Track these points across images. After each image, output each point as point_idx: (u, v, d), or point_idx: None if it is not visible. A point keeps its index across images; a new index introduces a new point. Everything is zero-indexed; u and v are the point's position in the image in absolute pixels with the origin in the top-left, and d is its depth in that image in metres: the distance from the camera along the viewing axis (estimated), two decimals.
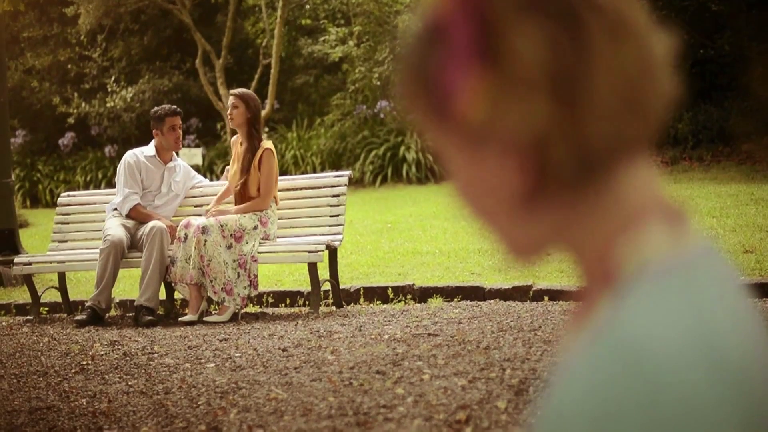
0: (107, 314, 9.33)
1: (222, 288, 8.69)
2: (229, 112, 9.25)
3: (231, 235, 8.78)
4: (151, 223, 9.14)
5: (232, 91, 9.38)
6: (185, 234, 8.77)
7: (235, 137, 9.51)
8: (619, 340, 1.00)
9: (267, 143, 9.22)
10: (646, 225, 1.09)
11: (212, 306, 9.05)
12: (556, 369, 1.08)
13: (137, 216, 9.44)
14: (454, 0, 1.08)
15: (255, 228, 8.97)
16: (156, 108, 9.85)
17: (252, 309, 9.33)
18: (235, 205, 9.15)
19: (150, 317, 8.88)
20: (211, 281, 8.69)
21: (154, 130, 9.69)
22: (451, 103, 1.08)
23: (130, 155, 9.74)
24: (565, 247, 1.14)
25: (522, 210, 1.11)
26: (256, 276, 8.81)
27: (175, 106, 9.76)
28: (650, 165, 1.12)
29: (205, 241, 8.69)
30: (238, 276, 8.73)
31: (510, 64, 1.05)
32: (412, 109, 1.15)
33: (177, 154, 10.08)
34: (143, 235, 9.13)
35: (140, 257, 9.14)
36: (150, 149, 9.71)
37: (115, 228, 9.26)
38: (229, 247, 8.77)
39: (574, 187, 1.08)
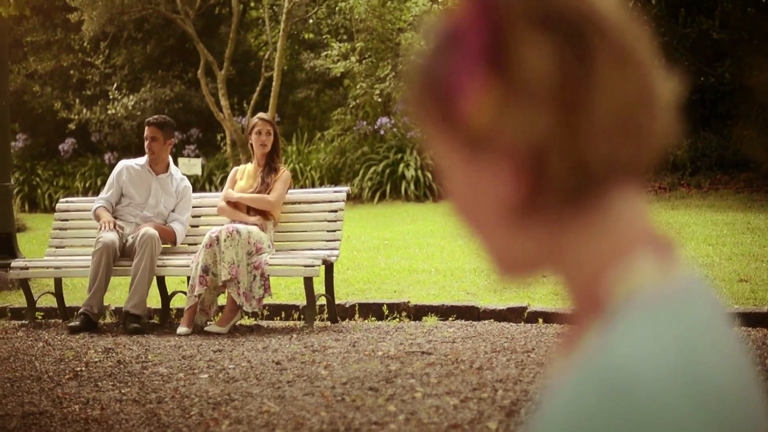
0: (100, 320, 9.32)
1: (242, 292, 8.72)
2: (262, 138, 9.41)
3: (254, 244, 8.86)
4: (143, 230, 9.19)
5: (261, 117, 9.54)
6: (216, 237, 8.78)
7: (241, 167, 9.72)
8: (604, 367, 1.01)
9: (286, 169, 9.57)
10: (635, 254, 1.10)
11: (216, 316, 9.04)
12: (543, 393, 1.09)
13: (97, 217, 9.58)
14: (470, 7, 1.11)
15: (269, 246, 9.09)
16: None
17: (247, 321, 9.33)
18: (247, 214, 9.32)
19: (135, 324, 8.91)
20: (238, 283, 8.72)
21: None
22: (457, 105, 1.11)
23: (121, 163, 9.99)
24: (555, 269, 1.15)
25: (511, 222, 1.12)
26: (268, 280, 8.85)
27: (152, 118, 9.93)
28: (641, 194, 1.14)
29: (238, 240, 8.74)
30: (254, 279, 8.78)
31: (517, 72, 1.08)
32: (419, 112, 1.17)
33: (176, 163, 10.14)
34: (135, 242, 9.16)
35: (131, 264, 9.19)
36: (144, 158, 9.85)
37: (108, 231, 9.30)
38: (249, 254, 8.84)
39: (565, 203, 1.10)
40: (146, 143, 9.75)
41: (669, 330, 1.04)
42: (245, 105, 21.18)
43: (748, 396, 1.06)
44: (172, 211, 9.73)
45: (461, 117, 1.11)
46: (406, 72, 1.19)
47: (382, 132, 19.59)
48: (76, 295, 10.66)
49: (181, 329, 8.78)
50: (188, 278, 9.05)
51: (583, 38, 1.09)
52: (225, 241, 8.70)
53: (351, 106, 20.58)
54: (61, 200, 10.72)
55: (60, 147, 22.98)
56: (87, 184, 22.02)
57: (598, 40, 1.09)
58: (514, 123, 1.08)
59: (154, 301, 9.88)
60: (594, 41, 1.09)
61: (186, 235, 9.78)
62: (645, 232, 1.13)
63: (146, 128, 9.79)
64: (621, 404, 0.98)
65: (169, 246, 9.60)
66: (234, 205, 9.37)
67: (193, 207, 9.97)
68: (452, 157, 1.15)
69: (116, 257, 9.23)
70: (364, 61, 20.35)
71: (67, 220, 10.34)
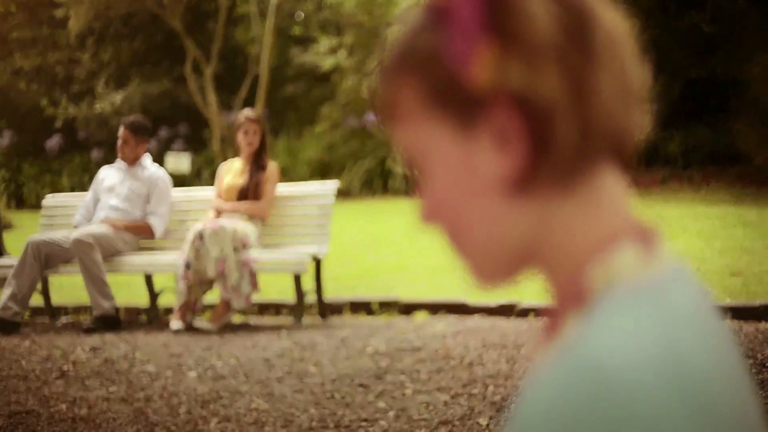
0: (16, 317, 9.06)
1: (231, 287, 8.64)
2: (249, 138, 9.34)
3: (240, 239, 8.77)
4: (71, 237, 9.17)
5: (248, 116, 9.46)
6: (200, 233, 8.69)
7: (228, 162, 9.68)
8: (584, 356, 0.99)
9: (274, 163, 9.48)
10: (619, 242, 1.09)
11: (202, 313, 8.96)
12: (524, 385, 1.07)
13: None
14: None
15: (256, 240, 9.02)
16: None
17: (236, 319, 9.27)
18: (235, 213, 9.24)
19: (90, 325, 8.95)
20: (225, 278, 8.64)
21: None
22: (456, 70, 1.09)
23: (101, 168, 10.15)
24: (536, 260, 1.14)
25: (504, 200, 1.11)
26: (255, 276, 8.76)
27: (127, 119, 10.04)
28: (624, 183, 1.14)
29: (223, 236, 8.66)
30: (242, 276, 8.69)
31: (523, 30, 1.07)
32: (397, 97, 1.14)
33: (162, 159, 10.12)
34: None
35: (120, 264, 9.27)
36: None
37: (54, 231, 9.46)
38: (236, 249, 8.73)
39: (566, 174, 1.09)
40: (119, 143, 9.84)
41: (651, 320, 1.02)
42: (233, 101, 21.12)
43: (736, 387, 1.05)
44: (148, 203, 9.69)
45: (461, 82, 1.09)
46: (383, 54, 1.17)
47: (370, 127, 19.55)
48: (63, 294, 10.59)
49: (174, 324, 8.69)
50: (178, 269, 8.94)
51: (581, 13, 1.10)
52: (210, 237, 8.63)
53: (340, 101, 20.54)
54: (47, 196, 10.67)
55: (46, 144, 22.90)
56: (74, 181, 21.92)
57: (593, 21, 1.10)
58: (523, 80, 1.07)
59: (143, 299, 9.82)
60: (590, 20, 1.10)
61: (174, 230, 9.70)
62: (629, 220, 1.13)
63: (120, 128, 9.88)
64: (600, 395, 0.96)
65: (150, 239, 9.63)
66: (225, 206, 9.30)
67: (180, 202, 9.93)
68: (437, 139, 1.12)
69: (40, 256, 9.14)
70: (352, 56, 20.30)
71: (53, 216, 10.28)
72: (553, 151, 1.07)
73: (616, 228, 1.11)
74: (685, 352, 1.00)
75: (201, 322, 8.76)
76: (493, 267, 1.16)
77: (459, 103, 1.09)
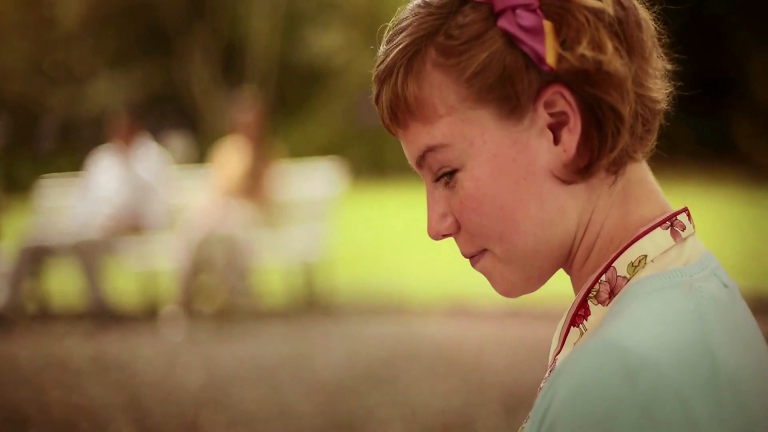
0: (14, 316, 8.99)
1: (229, 287, 8.62)
2: (252, 126, 9.29)
3: (237, 241, 8.70)
4: (72, 242, 9.06)
5: (248, 101, 9.49)
6: (200, 234, 8.66)
7: (229, 147, 9.53)
8: (615, 342, 0.98)
9: (275, 150, 9.51)
10: (652, 233, 1.10)
11: (201, 311, 8.87)
12: (553, 370, 1.08)
13: None
14: None
15: (256, 229, 8.92)
16: None
17: (237, 315, 9.16)
18: (236, 195, 9.11)
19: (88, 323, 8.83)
20: (224, 278, 8.62)
21: None
22: (516, 50, 1.07)
23: (96, 156, 10.05)
24: (567, 259, 1.13)
25: (557, 188, 1.09)
26: (253, 275, 8.78)
27: (123, 106, 10.14)
28: (651, 174, 1.15)
29: (221, 238, 8.63)
30: (239, 276, 8.65)
31: (587, 10, 1.07)
32: (427, 95, 1.11)
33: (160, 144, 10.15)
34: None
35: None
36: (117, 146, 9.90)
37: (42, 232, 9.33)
38: (234, 248, 8.65)
39: (621, 155, 1.08)
40: (113, 126, 9.91)
41: (680, 307, 1.03)
42: (234, 85, 21.06)
43: (764, 375, 1.05)
44: (144, 195, 9.58)
45: (515, 65, 1.06)
46: (399, 52, 1.13)
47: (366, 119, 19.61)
48: (60, 293, 10.41)
49: (171, 322, 8.58)
50: (177, 270, 8.85)
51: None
52: (208, 238, 8.61)
53: (344, 88, 20.55)
54: (41, 179, 10.73)
55: (39, 131, 22.89)
56: (67, 167, 21.81)
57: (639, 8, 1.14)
58: (588, 55, 1.05)
59: (142, 297, 9.72)
60: (637, 5, 1.14)
61: (173, 221, 9.57)
62: (662, 208, 1.13)
63: (115, 111, 10.13)
64: (630, 379, 0.95)
65: (148, 231, 9.49)
66: (225, 189, 9.19)
67: (178, 185, 9.92)
68: (481, 129, 1.09)
69: (37, 255, 9.06)
70: (358, 44, 20.29)
71: (48, 199, 10.19)
72: (612, 134, 1.07)
73: (651, 217, 1.11)
74: (715, 338, 1.01)
75: (200, 320, 8.63)
76: (532, 268, 1.14)
77: (511, 88, 1.07)
